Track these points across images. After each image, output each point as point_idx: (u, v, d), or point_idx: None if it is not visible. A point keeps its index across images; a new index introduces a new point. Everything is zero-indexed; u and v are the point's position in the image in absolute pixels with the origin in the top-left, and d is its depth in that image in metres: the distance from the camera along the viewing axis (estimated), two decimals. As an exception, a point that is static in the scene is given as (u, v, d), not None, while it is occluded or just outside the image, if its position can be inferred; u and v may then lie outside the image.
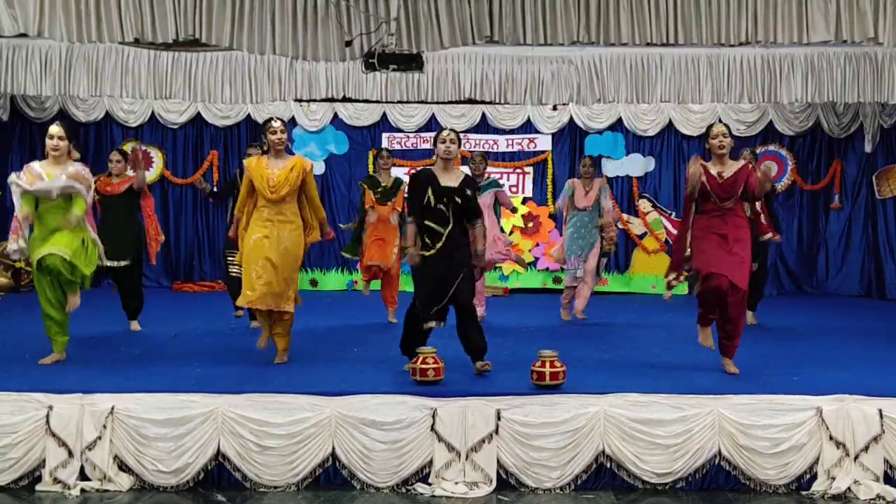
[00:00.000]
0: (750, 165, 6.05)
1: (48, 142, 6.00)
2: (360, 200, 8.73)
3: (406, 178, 11.33)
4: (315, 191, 6.39)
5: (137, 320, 7.99)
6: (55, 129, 6.05)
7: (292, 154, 6.62)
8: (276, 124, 6.22)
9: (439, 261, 5.83)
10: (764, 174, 5.92)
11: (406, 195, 6.77)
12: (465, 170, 7.35)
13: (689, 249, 6.05)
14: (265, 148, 6.37)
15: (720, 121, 11.72)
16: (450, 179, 5.90)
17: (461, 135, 12.14)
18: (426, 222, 5.86)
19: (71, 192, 5.98)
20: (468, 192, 5.90)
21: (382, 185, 8.54)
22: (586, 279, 8.72)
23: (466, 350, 5.99)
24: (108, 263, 6.89)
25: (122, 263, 7.59)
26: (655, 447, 5.11)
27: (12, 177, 5.97)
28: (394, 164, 11.68)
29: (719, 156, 5.95)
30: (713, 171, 5.92)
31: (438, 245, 5.82)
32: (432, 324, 5.88)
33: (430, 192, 5.82)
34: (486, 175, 8.54)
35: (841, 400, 5.20)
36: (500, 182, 9.47)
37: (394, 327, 8.38)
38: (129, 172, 7.88)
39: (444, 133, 5.95)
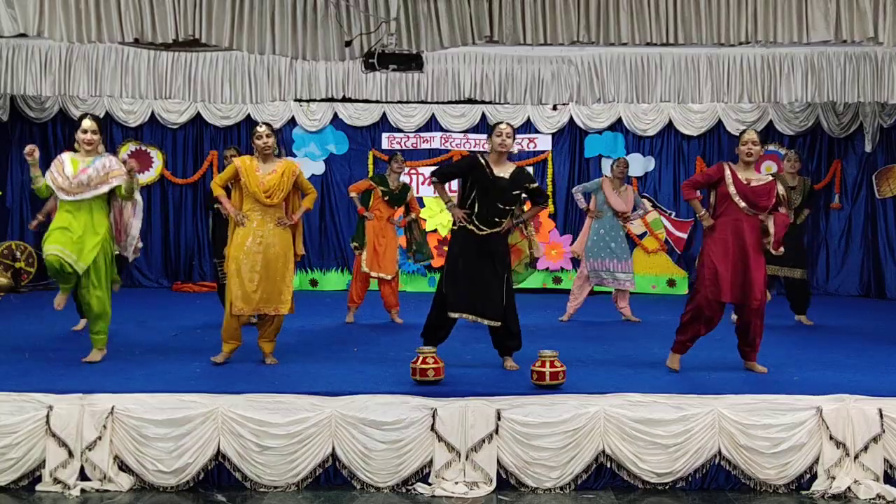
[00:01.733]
0: (776, 182, 6.03)
1: (82, 135, 6.12)
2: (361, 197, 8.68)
3: (413, 184, 11.55)
4: (308, 184, 6.45)
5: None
6: (89, 122, 6.16)
7: (286, 157, 6.64)
8: (262, 129, 6.26)
9: (479, 253, 5.98)
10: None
11: (443, 166, 6.84)
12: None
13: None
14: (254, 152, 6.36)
15: (722, 127, 11.76)
16: (501, 171, 6.05)
17: (462, 134, 12.25)
18: (484, 216, 5.99)
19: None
20: (523, 183, 6.08)
21: (391, 188, 8.55)
22: (627, 284, 8.84)
23: (495, 345, 6.22)
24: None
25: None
26: (655, 447, 5.11)
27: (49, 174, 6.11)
28: (386, 163, 11.78)
29: (746, 163, 5.98)
30: (741, 176, 5.96)
31: (485, 232, 5.98)
32: (456, 315, 6.01)
33: (483, 180, 5.98)
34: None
35: (841, 400, 5.20)
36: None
37: (394, 327, 8.39)
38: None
39: (502, 126, 6.09)
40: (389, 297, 8.64)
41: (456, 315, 6.02)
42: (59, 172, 6.06)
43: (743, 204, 5.90)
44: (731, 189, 5.91)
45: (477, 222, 6.00)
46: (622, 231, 8.86)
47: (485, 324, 6.09)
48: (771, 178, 6.09)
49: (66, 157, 6.17)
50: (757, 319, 6.00)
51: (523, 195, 6.19)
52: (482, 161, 6.06)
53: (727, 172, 5.97)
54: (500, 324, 6.05)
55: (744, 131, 6.10)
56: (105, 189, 6.11)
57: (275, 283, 6.19)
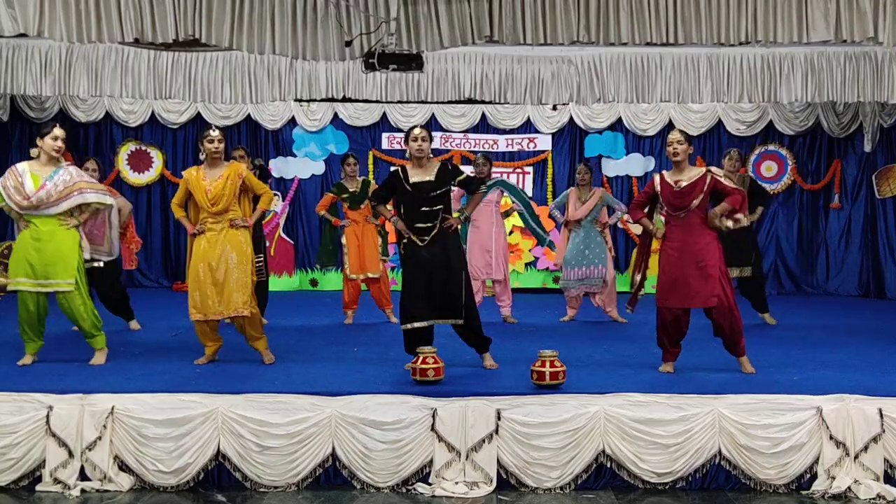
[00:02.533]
0: (710, 172, 6.01)
1: (53, 143, 6.06)
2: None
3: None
4: (259, 184, 6.40)
5: (135, 319, 8.04)
6: (61, 131, 6.14)
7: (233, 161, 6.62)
8: (214, 133, 6.22)
9: (430, 258, 5.91)
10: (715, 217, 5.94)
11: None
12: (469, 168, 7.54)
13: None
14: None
15: (722, 126, 11.75)
16: (423, 174, 5.97)
17: (462, 134, 12.22)
18: (413, 223, 5.94)
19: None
20: (449, 179, 6.00)
21: (350, 190, 8.58)
22: (608, 287, 8.69)
23: (468, 344, 6.16)
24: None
25: (97, 264, 7.18)
26: (655, 447, 5.11)
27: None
28: (386, 163, 11.85)
29: (675, 163, 6.01)
30: (669, 180, 6.00)
31: (427, 238, 5.91)
32: (408, 325, 5.92)
33: (402, 190, 5.96)
34: (490, 176, 8.60)
35: (841, 399, 5.20)
36: (505, 180, 9.51)
37: (394, 327, 8.38)
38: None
39: (416, 131, 6.01)
40: (380, 297, 8.63)
41: (408, 327, 5.92)
42: (18, 189, 5.98)
43: (666, 209, 5.97)
44: (660, 198, 6.00)
45: (416, 233, 5.93)
46: (598, 237, 8.69)
47: (447, 324, 6.00)
48: (704, 170, 6.04)
49: (24, 170, 6.06)
50: (719, 319, 5.95)
51: (454, 189, 6.21)
52: (399, 173, 6.01)
53: (657, 182, 6.05)
54: (461, 321, 5.96)
55: (671, 131, 6.13)
56: (66, 206, 6.09)
57: (233, 288, 6.15)
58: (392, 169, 6.25)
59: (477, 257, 8.42)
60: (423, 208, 5.92)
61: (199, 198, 6.17)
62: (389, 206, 6.23)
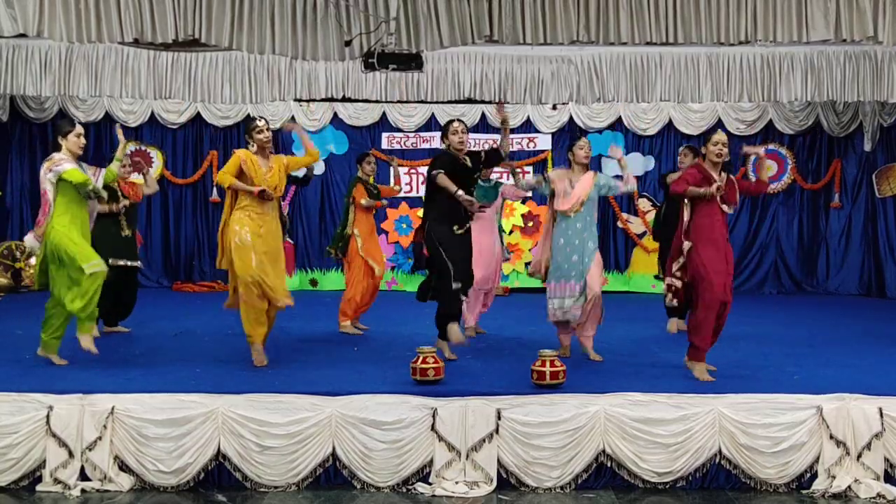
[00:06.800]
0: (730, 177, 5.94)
1: (78, 140, 6.17)
2: (347, 200, 8.25)
3: (412, 184, 11.58)
4: (295, 159, 6.59)
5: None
6: (81, 127, 6.28)
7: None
8: (262, 123, 6.22)
9: (467, 237, 6.28)
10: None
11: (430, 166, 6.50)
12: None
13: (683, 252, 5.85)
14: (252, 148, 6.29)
15: (722, 126, 11.72)
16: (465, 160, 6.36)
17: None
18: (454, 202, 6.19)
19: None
20: (481, 156, 6.45)
21: (369, 186, 8.33)
22: (593, 307, 6.58)
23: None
24: (125, 263, 7.55)
25: (133, 264, 7.75)
26: (656, 446, 5.11)
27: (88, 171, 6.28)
28: (386, 163, 11.82)
29: (715, 163, 5.80)
30: (713, 173, 5.89)
31: (467, 225, 6.29)
32: (459, 284, 6.21)
33: (457, 168, 6.26)
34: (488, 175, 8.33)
35: (841, 399, 5.20)
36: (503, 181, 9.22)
37: (394, 327, 8.36)
38: (135, 176, 8.05)
39: (455, 125, 6.32)
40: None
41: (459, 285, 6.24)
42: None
43: (718, 199, 5.73)
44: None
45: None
46: (589, 241, 6.58)
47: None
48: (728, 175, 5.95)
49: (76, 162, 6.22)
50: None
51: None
52: (453, 155, 6.33)
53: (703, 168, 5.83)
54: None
55: (714, 132, 5.95)
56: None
57: (282, 275, 6.31)
58: (441, 151, 6.45)
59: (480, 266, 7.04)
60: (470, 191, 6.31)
61: (259, 182, 6.11)
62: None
